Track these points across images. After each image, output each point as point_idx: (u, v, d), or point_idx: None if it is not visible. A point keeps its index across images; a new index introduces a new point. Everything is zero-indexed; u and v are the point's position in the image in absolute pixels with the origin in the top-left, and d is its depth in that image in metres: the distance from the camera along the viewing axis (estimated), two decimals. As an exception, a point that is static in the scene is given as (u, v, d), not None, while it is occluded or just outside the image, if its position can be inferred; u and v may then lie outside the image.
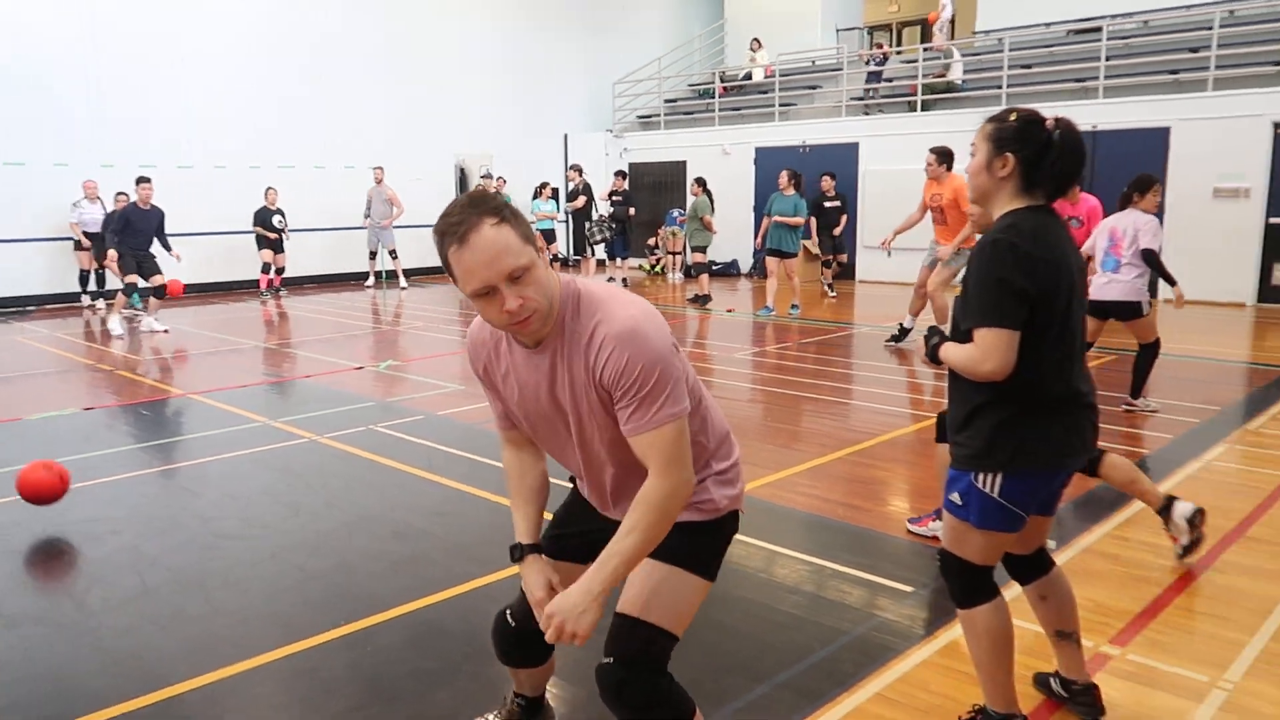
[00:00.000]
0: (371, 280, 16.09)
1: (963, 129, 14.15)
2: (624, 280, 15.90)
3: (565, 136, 19.87)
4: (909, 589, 3.75)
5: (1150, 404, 6.58)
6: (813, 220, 13.70)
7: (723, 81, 19.30)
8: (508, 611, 2.40)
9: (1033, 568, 2.73)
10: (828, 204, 14.11)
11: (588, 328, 1.90)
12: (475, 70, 18.01)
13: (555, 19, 19.40)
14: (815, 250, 15.66)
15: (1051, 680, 2.88)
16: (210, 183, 14.71)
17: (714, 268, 15.99)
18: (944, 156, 8.86)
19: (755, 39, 19.31)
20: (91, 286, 13.30)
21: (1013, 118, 2.43)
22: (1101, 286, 6.24)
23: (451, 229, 1.79)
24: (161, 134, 14.18)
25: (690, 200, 13.79)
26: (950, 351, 2.46)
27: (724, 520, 2.19)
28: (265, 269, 14.36)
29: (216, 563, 4.07)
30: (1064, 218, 9.21)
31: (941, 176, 8.86)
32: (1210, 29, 12.88)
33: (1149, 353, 6.43)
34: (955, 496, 2.49)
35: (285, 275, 14.79)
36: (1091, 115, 13.30)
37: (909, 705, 2.87)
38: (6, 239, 12.96)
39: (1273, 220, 12.07)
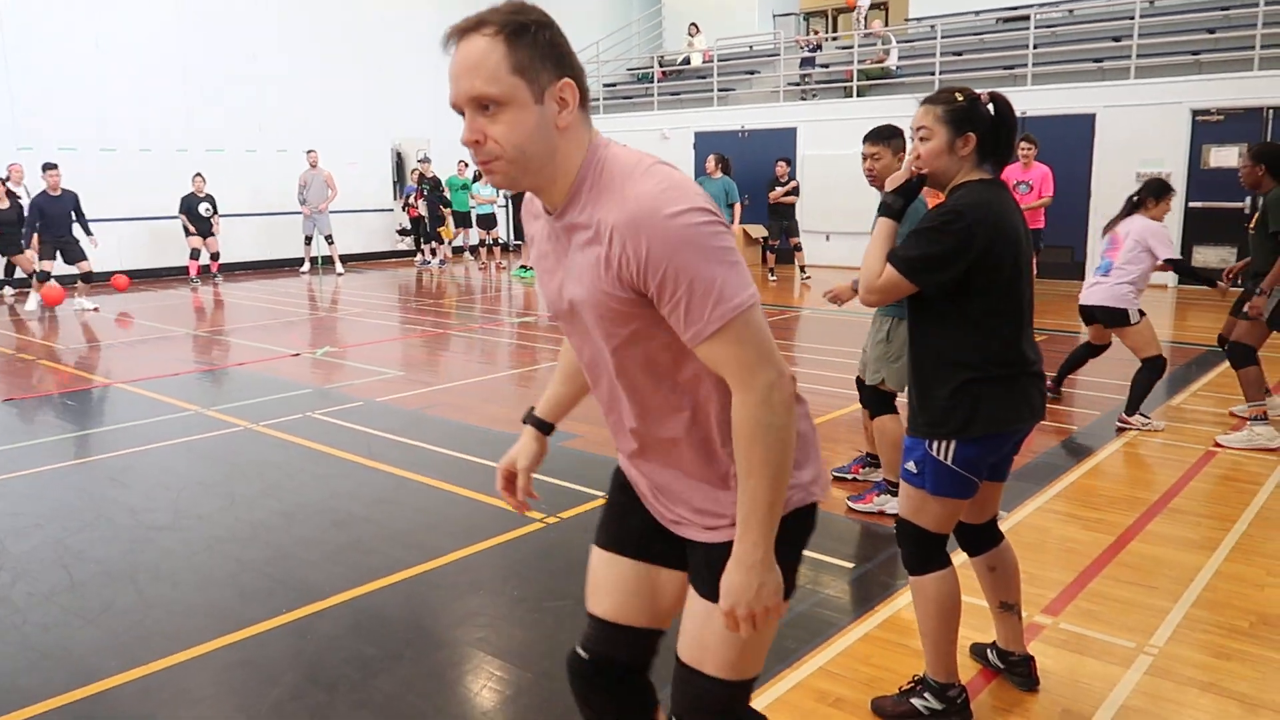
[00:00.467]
0: (307, 266, 15.76)
1: (897, 114, 14.34)
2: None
3: (503, 120, 19.63)
4: (850, 565, 3.81)
5: (1153, 423, 5.81)
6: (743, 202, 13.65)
7: (661, 66, 19.28)
8: (578, 646, 1.89)
9: (984, 539, 2.80)
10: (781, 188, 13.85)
11: (600, 210, 1.48)
12: (412, 53, 17.69)
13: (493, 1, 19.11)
14: (756, 235, 15.76)
15: (989, 651, 2.95)
16: (136, 166, 14.25)
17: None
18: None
19: (693, 24, 19.30)
20: None
21: (960, 97, 2.48)
22: (1088, 289, 5.89)
23: (453, 27, 1.48)
24: (82, 115, 13.67)
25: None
26: (872, 246, 2.55)
27: (786, 521, 1.57)
28: (194, 254, 13.94)
29: (148, 555, 3.96)
30: (1014, 182, 9.49)
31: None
32: (1132, 18, 13.24)
33: (1149, 369, 5.71)
34: (911, 465, 2.56)
35: (220, 261, 14.42)
36: (1021, 101, 13.58)
37: (851, 678, 2.92)
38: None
39: (1192, 205, 12.49)
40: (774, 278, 14.18)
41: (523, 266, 15.09)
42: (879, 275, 2.48)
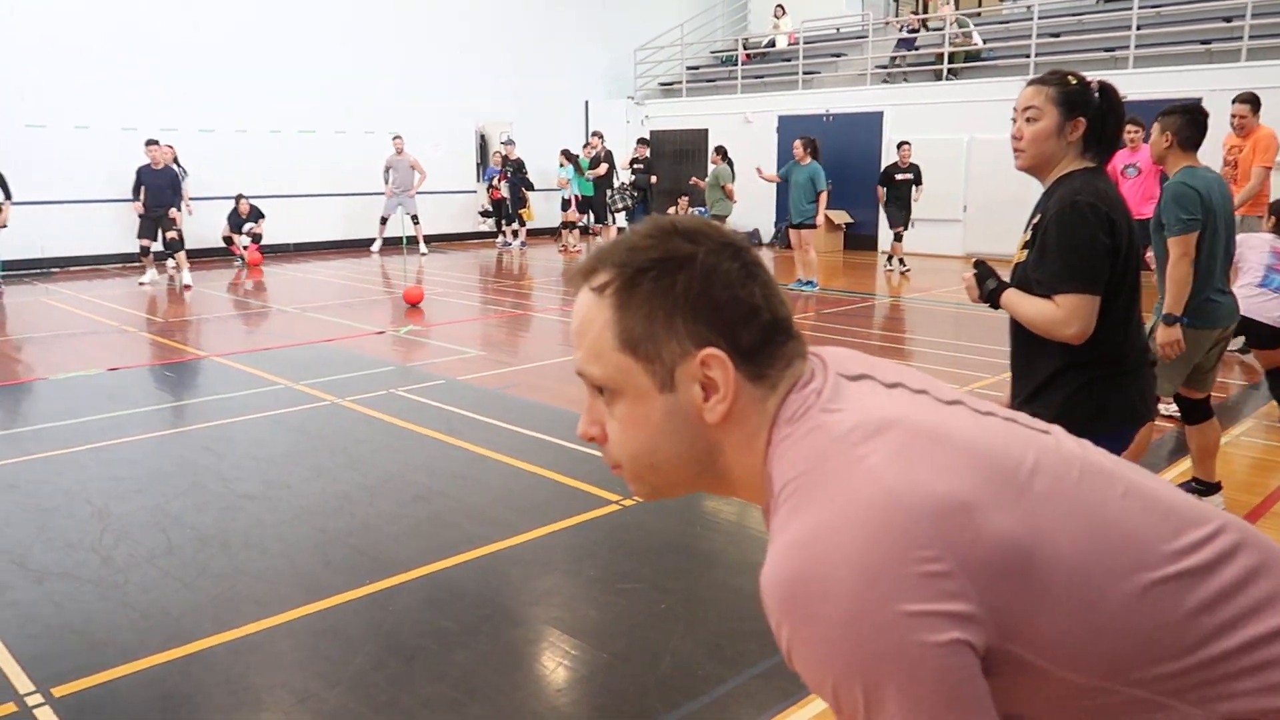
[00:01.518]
0: (378, 245, 15.90)
1: (989, 98, 13.97)
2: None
3: (586, 104, 19.72)
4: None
5: None
6: (881, 191, 12.88)
7: (746, 49, 19.08)
8: None
9: None
10: (899, 175, 12.77)
11: (776, 525, 0.91)
12: (496, 36, 17.87)
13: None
14: (839, 221, 15.56)
15: None
16: (234, 146, 14.70)
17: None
18: (1257, 105, 8.23)
19: (779, 5, 19.03)
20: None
21: (1073, 81, 2.39)
22: (1260, 304, 4.93)
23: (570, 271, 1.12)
24: (182, 98, 14.17)
25: (711, 168, 13.54)
26: (1022, 306, 2.40)
27: None
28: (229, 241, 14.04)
29: (239, 522, 4.11)
30: (1122, 166, 9.09)
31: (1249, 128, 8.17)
32: (1246, -3, 12.60)
33: None
34: None
35: (305, 240, 14.78)
36: (1123, 85, 12.85)
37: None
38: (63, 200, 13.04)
39: (1305, 194, 11.86)
40: (905, 267, 12.96)
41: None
42: (1059, 311, 2.30)
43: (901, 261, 12.98)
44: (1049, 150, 2.40)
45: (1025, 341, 2.45)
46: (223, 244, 14.10)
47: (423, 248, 15.80)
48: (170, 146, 12.38)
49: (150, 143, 11.64)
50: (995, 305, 2.48)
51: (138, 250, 11.96)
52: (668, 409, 0.94)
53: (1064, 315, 2.29)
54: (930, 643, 0.79)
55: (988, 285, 2.50)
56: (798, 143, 11.26)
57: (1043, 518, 0.87)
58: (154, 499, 4.39)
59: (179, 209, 11.76)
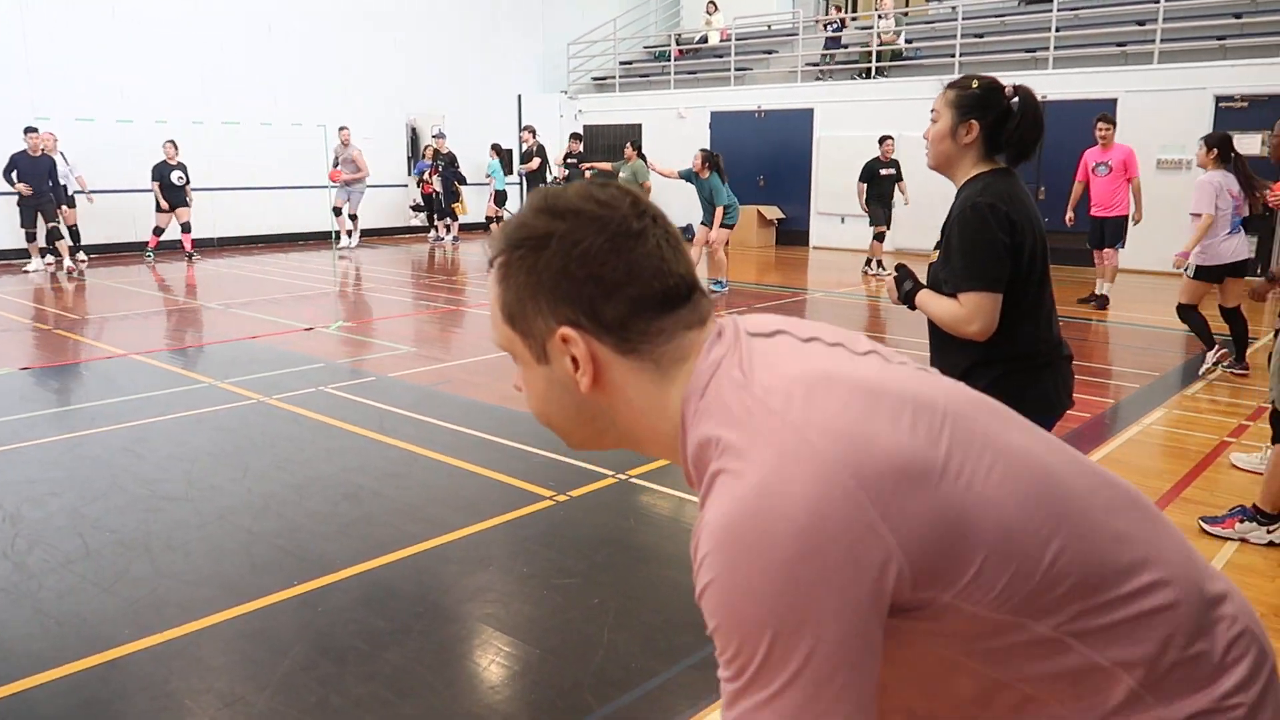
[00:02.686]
0: (355, 240, 15.64)
1: (916, 96, 14.23)
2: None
3: (519, 97, 19.58)
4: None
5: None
6: (862, 188, 12.25)
7: (679, 44, 19.15)
8: None
9: None
10: (883, 171, 12.25)
11: (704, 489, 0.93)
12: (428, 28, 17.63)
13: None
14: (771, 217, 15.74)
15: None
16: (153, 139, 14.24)
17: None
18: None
19: (711, 2, 19.14)
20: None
21: (975, 85, 2.48)
22: (1237, 246, 6.50)
23: None
24: (98, 86, 13.68)
25: (624, 164, 12.72)
26: (932, 305, 2.51)
27: None
28: (157, 230, 13.53)
29: (161, 525, 4.00)
30: (1093, 164, 9.47)
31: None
32: (1156, 2, 13.06)
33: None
34: None
35: (230, 235, 14.40)
36: (1042, 85, 13.36)
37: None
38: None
39: (1213, 192, 12.36)
40: (885, 271, 11.92)
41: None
42: (962, 309, 2.41)
43: (880, 265, 12.36)
44: (945, 150, 2.50)
45: (941, 338, 2.55)
46: (150, 236, 13.63)
47: (348, 240, 15.52)
48: (51, 134, 12.14)
49: (29, 130, 11.53)
50: (912, 306, 2.59)
51: (24, 239, 12.01)
52: (548, 378, 1.00)
53: (966, 313, 2.40)
54: (856, 599, 0.83)
55: (904, 287, 2.61)
56: (696, 156, 10.73)
57: (973, 472, 0.90)
58: (70, 502, 4.24)
59: (64, 199, 11.82)
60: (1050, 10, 13.97)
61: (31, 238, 11.94)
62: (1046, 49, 13.78)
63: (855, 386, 0.92)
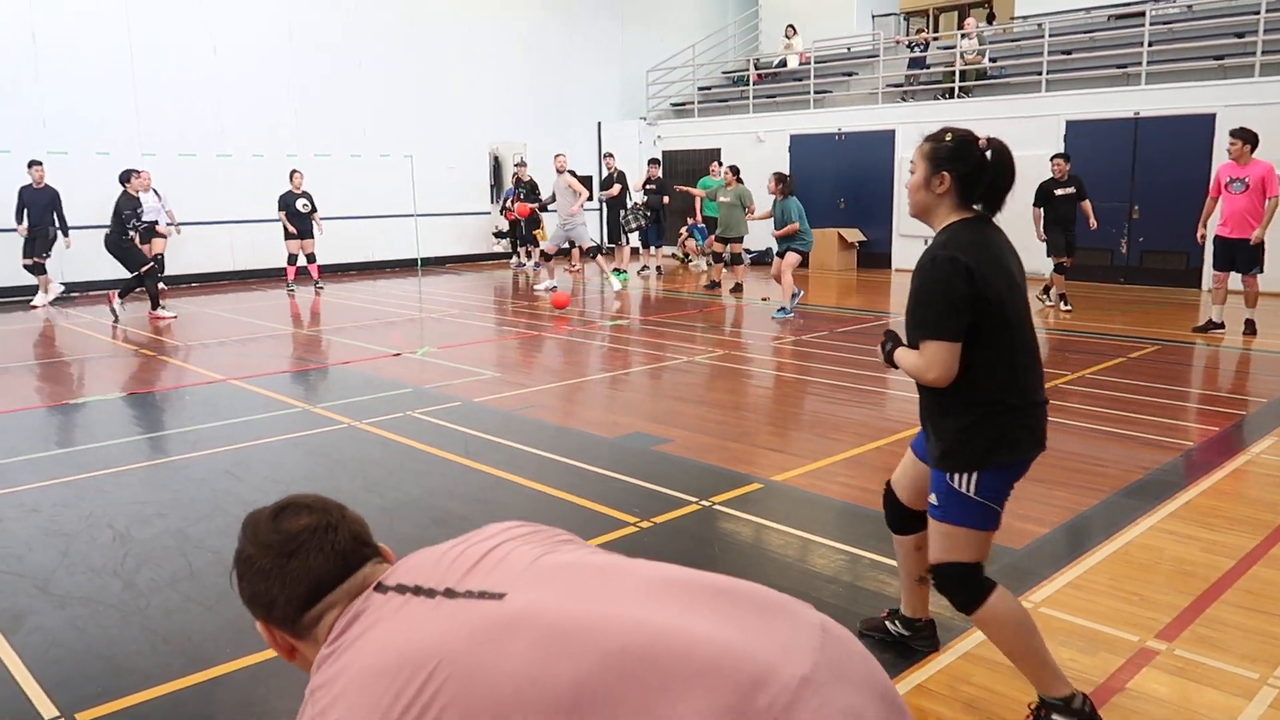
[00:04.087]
0: (531, 262, 15.97)
1: (1003, 115, 13.99)
2: (657, 269, 15.89)
3: (599, 125, 19.85)
4: (949, 580, 3.72)
5: None
6: (1038, 213, 10.71)
7: (757, 69, 19.19)
8: None
9: (917, 520, 2.91)
10: (1059, 191, 10.60)
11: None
12: (508, 58, 18.04)
13: (589, 6, 19.38)
14: (852, 240, 15.56)
15: (888, 623, 3.12)
16: (248, 170, 14.84)
17: (749, 256, 15.70)
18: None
19: (790, 25, 19.16)
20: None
21: (948, 138, 2.58)
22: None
23: None
24: (197, 123, 14.34)
25: (725, 188, 13.04)
26: (902, 357, 2.62)
27: None
28: (292, 259, 13.92)
29: (259, 546, 4.11)
30: (1226, 179, 9.11)
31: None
32: (1257, 13, 12.59)
33: None
34: (933, 498, 2.61)
35: (321, 263, 14.83)
36: (1134, 102, 13.06)
37: (951, 697, 2.85)
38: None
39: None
40: (1067, 306, 10.90)
41: (616, 270, 15.19)
42: (920, 358, 2.51)
43: (1064, 299, 10.89)
44: (921, 200, 2.63)
45: (919, 386, 2.64)
46: (286, 266, 14.00)
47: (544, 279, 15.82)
48: (147, 173, 12.14)
49: (33, 163, 12.03)
50: (893, 364, 2.68)
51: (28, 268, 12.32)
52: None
53: (924, 362, 2.50)
54: None
55: (886, 348, 2.72)
56: (771, 179, 10.85)
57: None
58: (175, 523, 4.41)
59: (59, 228, 12.16)
60: (1142, 25, 13.58)
61: (40, 269, 12.28)
62: (1139, 64, 13.39)
63: (372, 672, 1.28)
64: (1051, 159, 10.74)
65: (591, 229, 17.04)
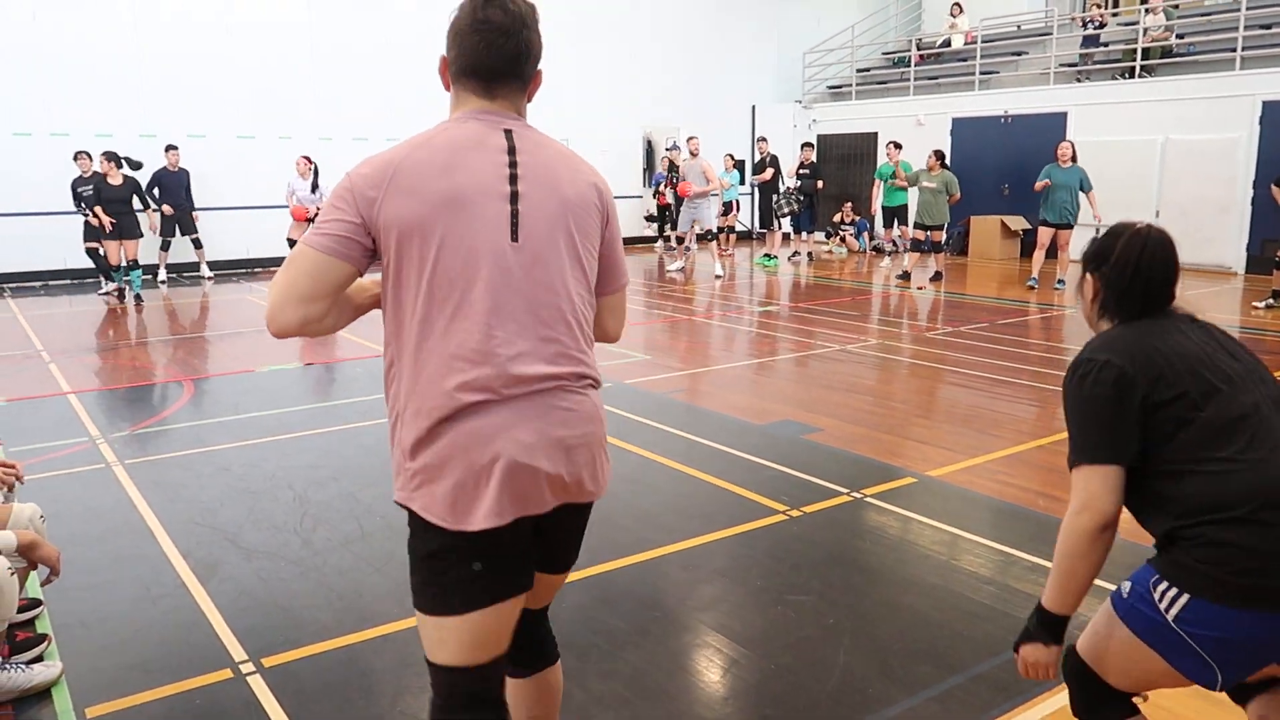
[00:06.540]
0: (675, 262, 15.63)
1: (1191, 96, 13.06)
2: (809, 255, 15.66)
3: (753, 108, 19.68)
4: (1110, 586, 3.54)
5: None
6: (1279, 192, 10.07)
7: (919, 49, 18.55)
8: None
9: (1261, 687, 2.03)
10: None
11: None
12: (662, 41, 18.10)
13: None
14: (1015, 228, 14.90)
15: None
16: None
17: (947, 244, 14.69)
18: None
19: (956, 4, 18.41)
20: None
21: (1101, 233, 2.07)
22: None
23: None
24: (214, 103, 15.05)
25: (936, 175, 12.40)
26: (1058, 549, 1.92)
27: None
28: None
29: (423, 513, 4.34)
30: None
31: None
32: None
33: None
34: (1125, 584, 1.93)
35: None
36: (1345, 80, 11.91)
37: None
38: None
39: None
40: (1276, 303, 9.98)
41: (766, 255, 15.07)
42: (1077, 501, 1.86)
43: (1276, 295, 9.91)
44: (1085, 312, 2.11)
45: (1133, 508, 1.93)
46: None
47: (680, 261, 16.10)
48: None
49: (170, 148, 12.80)
50: (1051, 621, 1.99)
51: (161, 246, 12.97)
52: None
53: (1075, 501, 1.85)
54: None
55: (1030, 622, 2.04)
56: (1064, 145, 11.58)
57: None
58: (347, 487, 4.71)
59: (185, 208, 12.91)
60: (1357, -5, 12.35)
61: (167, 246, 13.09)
62: (1352, 38, 12.19)
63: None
64: None
65: (744, 214, 16.98)
